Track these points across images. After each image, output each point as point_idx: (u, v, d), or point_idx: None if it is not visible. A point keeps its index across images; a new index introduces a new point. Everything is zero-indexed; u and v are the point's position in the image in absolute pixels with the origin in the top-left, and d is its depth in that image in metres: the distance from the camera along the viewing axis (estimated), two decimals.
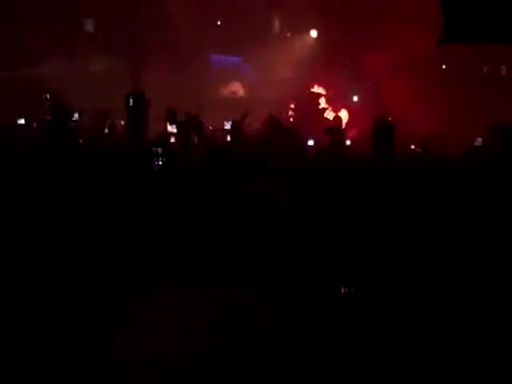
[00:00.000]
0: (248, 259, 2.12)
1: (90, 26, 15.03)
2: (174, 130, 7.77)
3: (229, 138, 8.99)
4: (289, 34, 15.34)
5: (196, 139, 6.96)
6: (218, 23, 15.00)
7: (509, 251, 3.56)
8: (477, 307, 3.29)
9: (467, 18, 4.38)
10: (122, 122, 9.39)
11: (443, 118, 12.19)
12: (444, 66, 14.29)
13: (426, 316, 3.25)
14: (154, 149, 4.23)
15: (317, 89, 14.82)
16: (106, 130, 9.50)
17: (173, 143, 7.50)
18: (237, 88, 15.79)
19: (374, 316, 3.27)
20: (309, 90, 14.69)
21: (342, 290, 3.46)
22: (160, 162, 4.16)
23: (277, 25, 15.51)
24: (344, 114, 14.50)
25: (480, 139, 7.00)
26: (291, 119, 13.67)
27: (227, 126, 9.89)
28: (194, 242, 2.13)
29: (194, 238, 2.16)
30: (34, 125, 9.92)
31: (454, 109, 12.93)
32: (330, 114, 14.33)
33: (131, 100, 7.85)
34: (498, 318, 3.20)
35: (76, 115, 9.91)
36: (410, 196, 4.35)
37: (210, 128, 9.76)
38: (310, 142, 8.74)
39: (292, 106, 14.35)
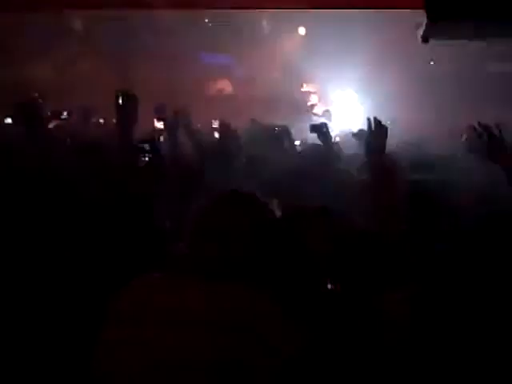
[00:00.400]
0: (243, 257, 2.10)
1: (78, 24, 14.97)
2: (161, 127, 7.74)
3: (216, 136, 8.95)
4: (277, 32, 15.31)
5: (185, 136, 6.93)
6: (206, 21, 14.95)
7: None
8: (475, 312, 3.28)
9: (454, 11, 4.35)
10: (114, 120, 9.33)
11: (432, 114, 12.23)
12: (432, 62, 14.32)
13: (425, 314, 3.23)
14: (140, 145, 4.21)
15: (306, 86, 14.83)
16: (93, 128, 9.45)
17: (161, 142, 7.48)
18: (225, 86, 15.78)
19: (371, 313, 3.26)
20: (300, 87, 14.71)
21: (337, 287, 3.44)
22: (147, 158, 4.14)
23: (265, 22, 15.48)
24: (334, 110, 14.50)
25: (465, 135, 6.93)
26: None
27: (215, 124, 9.86)
28: (187, 238, 2.10)
29: (187, 234, 2.13)
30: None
31: (443, 106, 12.97)
32: (319, 110, 14.34)
33: (120, 98, 7.76)
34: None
35: (65, 113, 9.85)
36: (401, 193, 4.33)
37: (198, 125, 9.72)
38: (297, 142, 8.67)
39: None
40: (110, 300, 2.01)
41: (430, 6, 4.28)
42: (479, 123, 4.06)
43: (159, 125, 7.98)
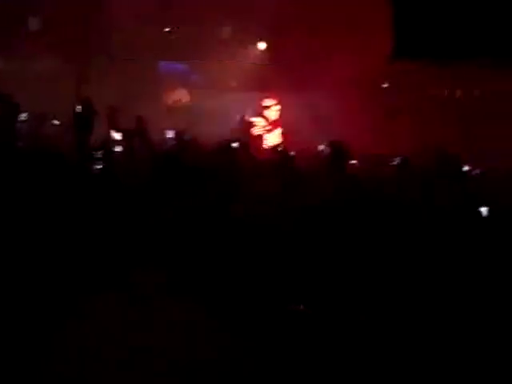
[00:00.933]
0: (200, 272, 2.10)
1: (35, 25, 14.72)
2: (119, 137, 7.70)
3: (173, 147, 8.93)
4: (238, 45, 15.37)
5: (140, 145, 6.92)
6: (167, 29, 14.88)
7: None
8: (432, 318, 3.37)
9: (418, 36, 4.55)
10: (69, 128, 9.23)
11: (383, 136, 12.42)
12: (385, 85, 14.52)
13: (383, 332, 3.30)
14: (94, 153, 4.20)
15: (266, 102, 14.78)
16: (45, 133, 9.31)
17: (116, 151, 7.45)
18: (183, 96, 15.70)
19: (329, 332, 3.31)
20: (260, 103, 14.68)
21: (296, 306, 3.48)
22: (100, 166, 4.12)
23: (227, 35, 15.54)
24: (279, 131, 14.59)
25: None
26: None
27: (170, 134, 9.81)
28: (140, 252, 2.09)
29: (139, 246, 2.12)
30: None
31: (394, 127, 13.21)
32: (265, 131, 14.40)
33: (79, 107, 7.74)
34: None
35: (24, 115, 9.68)
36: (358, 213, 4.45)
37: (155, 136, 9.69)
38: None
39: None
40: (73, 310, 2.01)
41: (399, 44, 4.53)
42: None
43: (116, 135, 7.96)
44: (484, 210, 4.84)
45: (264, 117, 14.58)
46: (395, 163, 7.11)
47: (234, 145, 8.17)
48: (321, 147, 12.56)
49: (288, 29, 14.12)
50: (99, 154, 4.14)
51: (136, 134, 6.92)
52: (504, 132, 12.38)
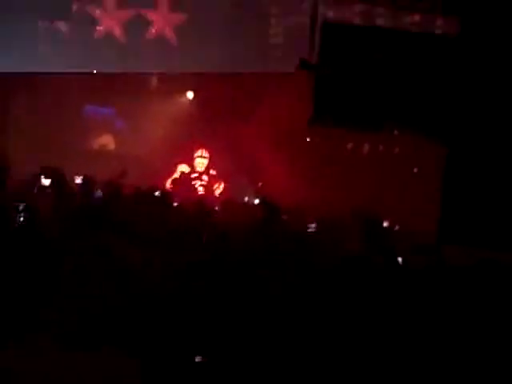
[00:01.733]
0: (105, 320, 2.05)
1: None
2: (47, 184, 7.49)
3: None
4: (166, 93, 15.35)
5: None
6: (94, 71, 14.66)
7: None
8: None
9: (336, 105, 4.76)
10: None
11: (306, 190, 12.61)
12: (308, 139, 14.85)
13: None
14: (15, 204, 4.01)
15: (195, 152, 14.76)
16: None
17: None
18: (107, 141, 15.44)
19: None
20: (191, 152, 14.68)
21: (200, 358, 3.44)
22: (22, 218, 3.93)
23: (154, 82, 15.51)
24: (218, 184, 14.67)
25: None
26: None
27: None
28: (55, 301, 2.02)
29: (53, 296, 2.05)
30: None
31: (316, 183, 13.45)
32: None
33: None
34: None
35: None
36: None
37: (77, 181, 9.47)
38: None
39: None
40: None
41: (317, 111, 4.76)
42: None
43: (45, 180, 7.77)
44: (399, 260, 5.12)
45: (192, 166, 14.61)
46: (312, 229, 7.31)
47: (157, 193, 8.12)
48: (246, 198, 12.72)
49: (214, 83, 14.24)
50: (21, 205, 3.94)
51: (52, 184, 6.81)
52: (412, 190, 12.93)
